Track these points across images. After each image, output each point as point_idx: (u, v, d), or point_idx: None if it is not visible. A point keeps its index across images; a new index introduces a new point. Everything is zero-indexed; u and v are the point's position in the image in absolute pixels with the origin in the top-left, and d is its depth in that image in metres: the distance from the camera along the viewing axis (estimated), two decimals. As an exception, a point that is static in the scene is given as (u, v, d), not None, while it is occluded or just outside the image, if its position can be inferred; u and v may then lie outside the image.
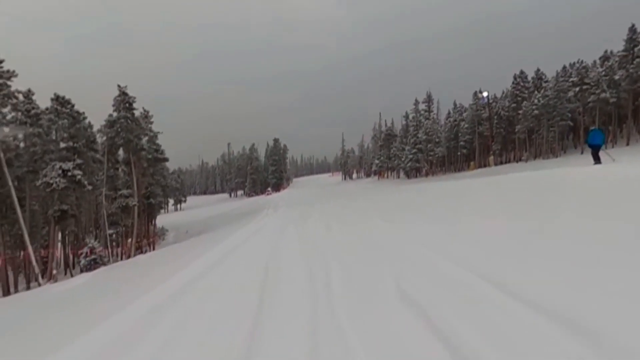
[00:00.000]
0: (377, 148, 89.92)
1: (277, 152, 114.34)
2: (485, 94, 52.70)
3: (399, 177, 72.66)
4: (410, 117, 66.98)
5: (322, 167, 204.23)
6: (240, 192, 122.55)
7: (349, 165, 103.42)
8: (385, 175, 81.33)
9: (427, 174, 63.60)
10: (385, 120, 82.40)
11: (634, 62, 41.33)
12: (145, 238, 45.81)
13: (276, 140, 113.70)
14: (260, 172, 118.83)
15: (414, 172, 63.92)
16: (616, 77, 42.69)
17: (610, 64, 44.44)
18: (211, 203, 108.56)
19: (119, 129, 35.58)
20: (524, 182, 10.56)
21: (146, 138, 42.00)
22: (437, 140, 58.94)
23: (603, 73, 43.62)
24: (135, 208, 36.00)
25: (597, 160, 13.53)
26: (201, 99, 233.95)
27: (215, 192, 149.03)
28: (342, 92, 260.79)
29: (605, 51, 49.42)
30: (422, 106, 69.74)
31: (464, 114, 59.44)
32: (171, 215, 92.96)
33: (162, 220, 74.73)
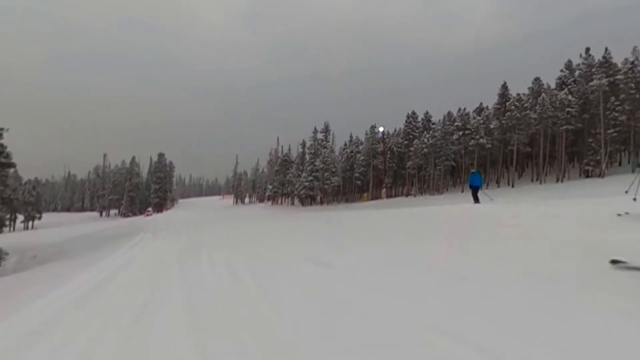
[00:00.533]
0: (273, 173, 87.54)
1: (161, 168, 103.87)
2: (381, 129, 54.62)
3: (292, 203, 70.93)
4: (309, 144, 66.43)
5: (212, 189, 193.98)
6: (114, 211, 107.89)
7: (242, 188, 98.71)
8: (279, 201, 78.97)
9: (322, 202, 63.02)
10: (282, 146, 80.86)
11: (505, 114, 46.88)
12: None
13: (161, 155, 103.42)
14: (141, 190, 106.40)
15: (308, 199, 62.72)
16: (491, 126, 47.85)
17: (486, 114, 49.86)
18: (75, 222, 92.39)
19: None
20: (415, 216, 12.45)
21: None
22: (333, 169, 58.97)
23: (481, 121, 48.59)
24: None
25: (476, 199, 14.72)
26: (79, 106, 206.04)
27: (82, 209, 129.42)
28: (239, 116, 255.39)
29: (480, 103, 55.76)
30: (320, 135, 70.02)
31: (360, 147, 60.85)
32: (19, 234, 76.29)
33: (4, 240, 62.33)
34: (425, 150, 50.39)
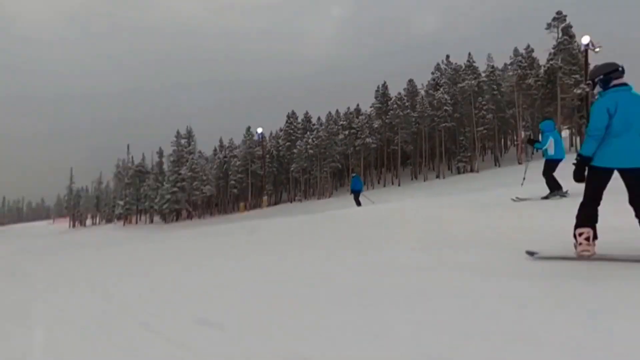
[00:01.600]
0: (122, 187, 72.17)
1: None
2: (259, 129, 48.00)
3: (152, 221, 58.35)
4: (170, 151, 55.05)
5: (37, 213, 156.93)
6: None
7: (81, 208, 78.70)
8: (132, 220, 64.63)
9: (189, 217, 52.71)
10: (132, 156, 66.46)
11: (388, 113, 45.81)
12: None
13: None
14: None
15: (173, 214, 51.75)
16: (375, 125, 46.23)
17: (368, 113, 48.21)
18: None
19: None
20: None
21: None
22: (204, 177, 49.70)
23: (365, 120, 46.60)
24: None
25: (358, 203, 14.86)
26: None
27: None
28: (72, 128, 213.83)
29: (357, 104, 54.31)
30: (183, 141, 59.46)
31: (235, 151, 53.08)
32: None
33: None
34: (310, 151, 45.88)
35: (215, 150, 57.03)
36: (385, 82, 48.49)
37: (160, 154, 70.64)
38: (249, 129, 51.13)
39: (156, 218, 57.47)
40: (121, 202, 63.38)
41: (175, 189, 48.48)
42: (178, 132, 55.56)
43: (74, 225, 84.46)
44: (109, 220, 76.18)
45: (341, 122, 47.20)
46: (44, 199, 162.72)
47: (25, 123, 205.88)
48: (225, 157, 52.90)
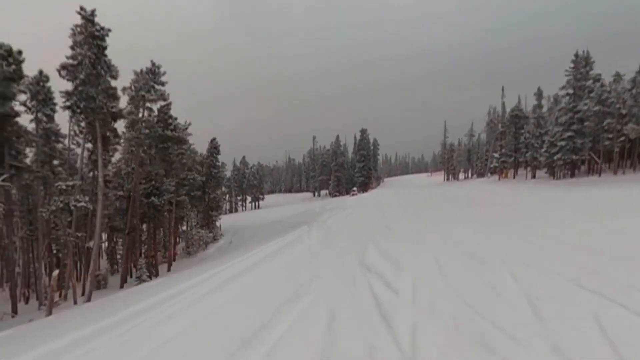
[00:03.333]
0: (496, 137, 66.05)
1: (364, 145, 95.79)
2: None
3: (534, 176, 48.83)
4: (565, 81, 41.74)
5: (418, 167, 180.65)
6: (324, 192, 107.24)
7: (455, 161, 79.97)
8: (508, 174, 57.48)
9: (591, 171, 39.35)
10: (503, 102, 58.01)
11: None
12: (153, 252, 31.33)
13: (363, 132, 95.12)
14: (346, 169, 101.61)
15: (566, 168, 40.15)
16: None
17: None
18: (290, 202, 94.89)
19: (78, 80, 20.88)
20: None
21: (151, 103, 27.23)
22: (623, 112, 34.33)
23: None
24: (100, 211, 21.01)
25: None
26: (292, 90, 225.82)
27: (300, 190, 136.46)
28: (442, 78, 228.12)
29: None
30: (582, 70, 44.85)
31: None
32: (245, 214, 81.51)
33: (231, 220, 63.53)
34: None
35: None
36: None
37: (539, 94, 58.93)
38: None
39: (540, 172, 47.62)
40: (496, 155, 57.55)
41: (570, 133, 36.77)
42: (577, 54, 41.53)
43: (447, 179, 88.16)
44: (479, 175, 73.18)
45: None
46: (424, 155, 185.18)
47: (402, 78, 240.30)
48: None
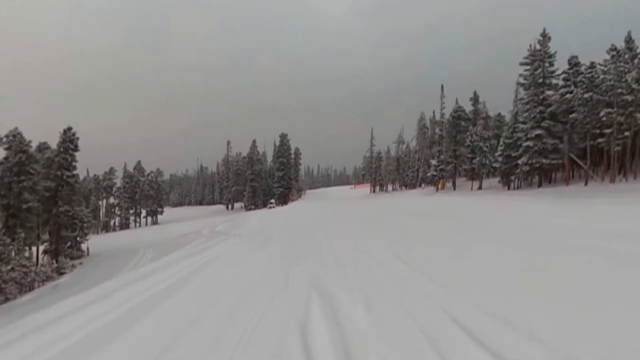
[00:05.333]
0: (434, 142, 58.84)
1: (284, 152, 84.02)
2: None
3: (480, 187, 41.02)
4: (523, 69, 33.84)
5: (340, 179, 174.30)
6: (240, 204, 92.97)
7: (383, 171, 71.52)
8: (445, 184, 49.79)
9: (568, 179, 31.89)
10: (443, 102, 50.60)
11: None
12: None
13: (283, 137, 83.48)
14: (264, 179, 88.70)
15: (532, 175, 32.20)
16: None
17: None
18: (195, 216, 78.64)
19: None
20: None
21: None
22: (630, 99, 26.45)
23: None
24: None
25: None
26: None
27: (212, 202, 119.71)
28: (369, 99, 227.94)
29: None
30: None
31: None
32: (139, 231, 64.26)
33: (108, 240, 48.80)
34: None
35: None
36: None
37: (475, 99, 52.72)
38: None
39: (488, 182, 39.84)
40: (434, 162, 49.52)
41: (539, 131, 28.67)
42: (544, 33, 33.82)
43: (373, 191, 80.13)
44: (410, 186, 65.65)
45: None
46: (345, 168, 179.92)
47: (321, 98, 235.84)
48: None
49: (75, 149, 38.18)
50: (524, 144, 29.39)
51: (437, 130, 55.83)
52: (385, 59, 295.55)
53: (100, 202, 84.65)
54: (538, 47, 30.81)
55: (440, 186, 50.15)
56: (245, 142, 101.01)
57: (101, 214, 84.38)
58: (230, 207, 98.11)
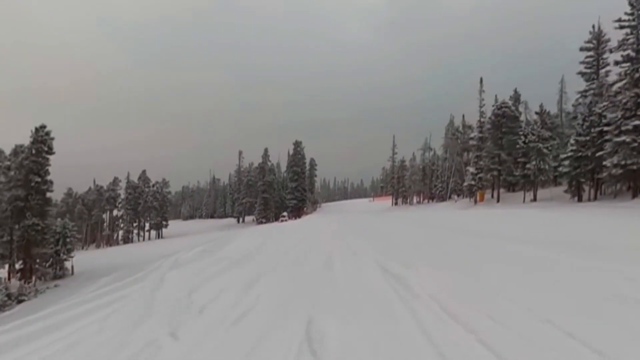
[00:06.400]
0: (462, 150, 51.08)
1: (298, 161, 77.17)
2: None
3: (534, 198, 32.93)
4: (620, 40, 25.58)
5: (357, 192, 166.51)
6: (251, 217, 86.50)
7: (408, 181, 63.52)
8: (484, 196, 41.78)
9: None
10: (482, 98, 42.70)
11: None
12: None
13: (297, 145, 76.71)
14: (276, 190, 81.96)
15: (623, 182, 24.27)
16: None
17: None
18: (203, 230, 71.87)
19: None
20: None
21: None
22: None
23: None
24: None
25: None
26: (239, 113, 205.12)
27: (224, 215, 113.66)
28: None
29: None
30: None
31: None
32: (137, 246, 58.03)
33: (107, 255, 43.64)
34: None
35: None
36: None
37: (516, 98, 44.99)
38: None
39: (550, 192, 31.67)
40: (471, 169, 41.62)
41: (637, 122, 20.89)
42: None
43: (396, 203, 72.26)
44: (440, 198, 57.60)
45: None
46: (363, 180, 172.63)
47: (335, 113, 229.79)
48: None
49: (50, 151, 31.95)
50: (615, 140, 21.53)
51: (472, 134, 48.11)
52: (404, 72, 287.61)
53: (104, 215, 79.26)
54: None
55: (479, 198, 42.15)
56: (260, 155, 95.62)
57: (105, 227, 78.83)
58: (241, 220, 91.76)
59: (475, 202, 41.72)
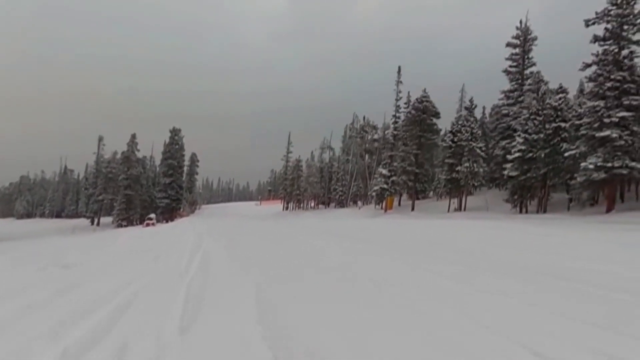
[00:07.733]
0: (365, 151, 45.35)
1: (175, 152, 62.80)
2: None
3: (459, 207, 27.71)
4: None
5: (243, 195, 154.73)
6: (110, 218, 68.58)
7: (304, 183, 55.38)
8: (392, 203, 36.17)
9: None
10: (399, 90, 37.00)
11: None
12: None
13: (175, 133, 62.34)
14: (144, 187, 65.97)
15: (592, 190, 19.51)
16: None
17: None
18: (37, 235, 52.20)
19: None
20: None
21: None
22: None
23: None
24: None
25: None
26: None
27: (76, 214, 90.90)
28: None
29: None
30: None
31: None
32: None
33: None
34: None
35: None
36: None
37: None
38: None
39: (477, 199, 26.56)
40: (384, 171, 35.39)
41: (624, 112, 16.02)
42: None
43: (287, 208, 63.95)
44: (340, 203, 51.03)
45: None
46: (249, 182, 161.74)
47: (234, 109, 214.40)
48: None
49: None
50: (599, 135, 16.35)
51: (376, 135, 42.67)
52: (307, 77, 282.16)
53: None
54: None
55: (388, 205, 36.16)
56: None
57: None
58: (96, 222, 72.71)
59: (385, 210, 35.59)
